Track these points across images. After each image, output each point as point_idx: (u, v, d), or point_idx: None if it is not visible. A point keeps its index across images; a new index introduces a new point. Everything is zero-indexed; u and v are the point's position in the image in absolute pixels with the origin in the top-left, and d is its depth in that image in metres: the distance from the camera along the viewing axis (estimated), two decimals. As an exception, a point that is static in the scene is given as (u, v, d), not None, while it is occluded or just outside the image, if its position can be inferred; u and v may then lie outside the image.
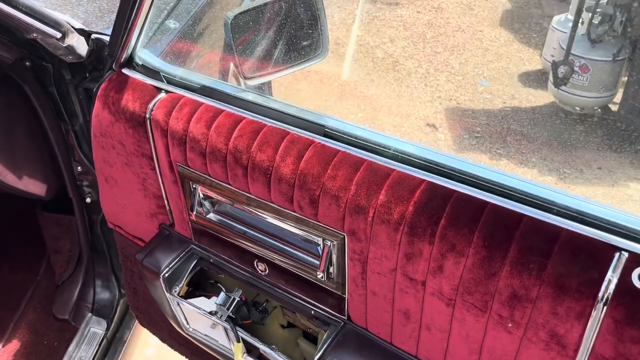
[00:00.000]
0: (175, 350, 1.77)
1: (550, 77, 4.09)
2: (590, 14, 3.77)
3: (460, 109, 4.52)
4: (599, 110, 4.21)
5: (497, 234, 0.87)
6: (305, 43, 1.24)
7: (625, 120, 3.92)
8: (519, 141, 4.10)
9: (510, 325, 0.88)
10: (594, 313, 0.80)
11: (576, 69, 3.91)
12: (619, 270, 0.79)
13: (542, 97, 4.60)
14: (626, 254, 0.80)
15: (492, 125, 4.29)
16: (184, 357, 1.75)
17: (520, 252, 0.85)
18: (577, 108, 4.19)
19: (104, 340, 1.86)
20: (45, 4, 1.34)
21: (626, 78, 4.00)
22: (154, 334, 1.80)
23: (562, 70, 3.84)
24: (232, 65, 1.34)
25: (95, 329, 1.87)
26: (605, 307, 0.79)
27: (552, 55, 4.26)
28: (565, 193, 0.90)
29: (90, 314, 1.90)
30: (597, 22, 3.85)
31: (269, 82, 1.56)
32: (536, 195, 0.90)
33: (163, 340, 1.79)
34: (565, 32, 4.04)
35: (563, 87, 3.98)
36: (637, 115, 3.81)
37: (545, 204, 0.89)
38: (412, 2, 6.23)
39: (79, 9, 5.23)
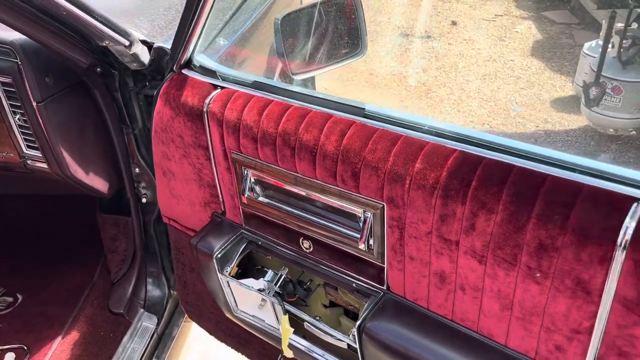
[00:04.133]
0: (221, 341, 1.87)
1: (582, 99, 4.14)
2: (619, 37, 3.84)
3: (494, 132, 4.57)
4: (634, 131, 4.22)
5: (524, 191, 0.96)
6: (345, 42, 1.37)
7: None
8: (553, 163, 4.12)
9: (538, 275, 0.96)
10: (615, 256, 0.87)
11: (608, 90, 3.96)
12: (636, 217, 0.87)
13: (575, 121, 4.63)
14: (643, 204, 0.88)
15: (526, 148, 4.33)
16: (230, 347, 1.84)
17: (546, 205, 0.93)
18: (612, 130, 4.21)
19: (155, 335, 1.97)
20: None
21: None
22: (201, 326, 1.90)
23: (593, 91, 3.90)
24: (280, 63, 1.48)
25: (147, 323, 1.99)
26: (625, 251, 0.86)
27: (584, 80, 4.32)
28: (587, 157, 0.99)
29: (142, 310, 2.02)
30: (627, 45, 3.91)
31: (313, 81, 1.70)
32: (560, 158, 0.99)
33: (210, 332, 1.89)
34: (596, 57, 4.11)
35: (596, 109, 4.02)
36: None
37: (569, 166, 0.98)
38: (444, 34, 6.41)
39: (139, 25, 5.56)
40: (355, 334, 1.22)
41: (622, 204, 0.89)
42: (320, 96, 1.27)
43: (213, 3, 1.25)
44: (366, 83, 5.43)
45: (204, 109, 1.37)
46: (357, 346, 1.24)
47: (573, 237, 0.91)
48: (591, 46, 4.43)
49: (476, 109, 4.93)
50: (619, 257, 0.87)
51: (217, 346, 1.95)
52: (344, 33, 1.36)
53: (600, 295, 0.91)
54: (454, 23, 6.67)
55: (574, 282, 0.93)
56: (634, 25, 4.02)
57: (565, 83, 5.34)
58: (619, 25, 3.98)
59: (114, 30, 1.45)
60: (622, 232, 0.86)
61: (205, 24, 1.35)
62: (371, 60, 5.88)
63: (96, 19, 1.40)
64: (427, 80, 5.42)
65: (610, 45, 3.94)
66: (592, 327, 0.95)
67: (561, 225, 0.92)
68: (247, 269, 1.57)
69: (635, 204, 0.88)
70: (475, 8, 7.04)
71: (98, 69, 1.60)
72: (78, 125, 1.65)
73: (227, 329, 1.79)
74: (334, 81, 5.45)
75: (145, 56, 1.61)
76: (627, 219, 0.87)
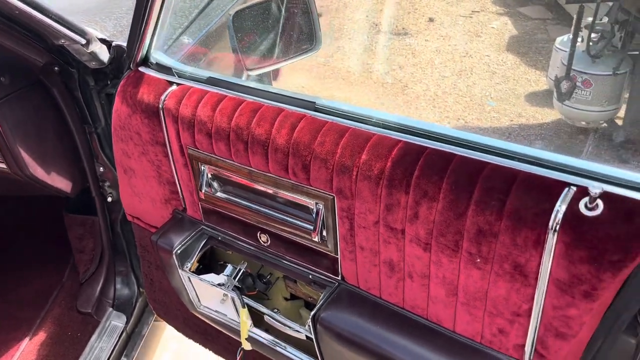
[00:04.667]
0: (189, 337, 1.87)
1: (555, 93, 4.20)
2: (588, 31, 3.91)
3: (468, 127, 4.64)
4: (605, 124, 4.29)
5: (463, 179, 0.98)
6: (299, 37, 1.39)
7: (629, 133, 3.99)
8: (526, 156, 4.18)
9: (478, 260, 0.98)
10: (547, 239, 0.90)
11: (579, 84, 4.02)
12: (567, 201, 0.89)
13: (548, 115, 4.70)
14: (574, 188, 0.91)
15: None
16: (198, 343, 1.85)
17: (483, 192, 0.96)
18: (583, 122, 4.28)
19: (124, 333, 1.97)
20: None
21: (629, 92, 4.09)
22: (169, 323, 1.91)
23: (564, 85, 3.96)
24: (235, 59, 1.50)
25: (116, 322, 1.99)
26: (556, 234, 0.89)
27: (556, 75, 4.38)
28: (524, 145, 1.02)
29: (111, 309, 2.02)
30: (596, 39, 3.98)
31: (270, 76, 1.71)
32: (499, 147, 1.02)
33: (178, 329, 1.90)
34: (567, 51, 4.17)
35: (567, 103, 4.08)
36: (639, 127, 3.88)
37: (507, 153, 1.00)
38: (421, 31, 6.45)
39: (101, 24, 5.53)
40: (310, 324, 1.24)
41: (554, 188, 0.91)
42: (273, 90, 1.28)
43: (163, 1, 1.26)
44: (343, 80, 5.45)
45: (160, 106, 1.37)
46: (313, 336, 1.26)
47: (509, 222, 0.93)
48: (563, 40, 4.49)
49: (452, 104, 4.98)
50: (551, 240, 0.90)
51: (193, 344, 1.95)
52: (297, 29, 1.38)
53: (537, 278, 0.94)
54: (431, 20, 6.72)
55: (511, 266, 0.96)
56: (605, 19, 4.10)
57: (540, 77, 5.41)
58: (590, 19, 4.05)
59: (69, 29, 1.45)
60: (553, 216, 0.89)
61: (158, 21, 1.36)
62: (348, 57, 5.91)
63: (51, 18, 1.40)
64: (403, 77, 5.46)
65: (579, 39, 4.00)
66: (530, 309, 0.97)
67: (498, 211, 0.94)
68: (211, 265, 1.58)
69: (566, 189, 0.91)
70: (452, 5, 7.10)
71: (55, 68, 1.60)
72: (37, 125, 1.64)
73: (194, 325, 1.80)
74: (311, 79, 5.47)
75: (104, 55, 1.61)
76: (558, 203, 0.89)
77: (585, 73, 4.00)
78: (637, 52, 3.96)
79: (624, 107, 4.22)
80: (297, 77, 5.43)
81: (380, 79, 5.46)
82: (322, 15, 6.47)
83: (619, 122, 4.27)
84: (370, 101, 5.07)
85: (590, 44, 3.95)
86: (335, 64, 5.78)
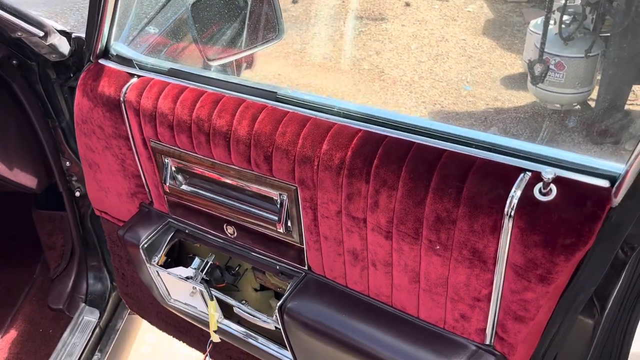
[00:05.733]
0: (163, 331, 1.87)
1: (529, 77, 4.23)
2: (560, 14, 3.93)
3: (444, 112, 4.66)
4: (578, 106, 4.34)
5: (421, 167, 0.98)
6: (261, 27, 1.37)
7: (601, 115, 4.04)
8: (501, 139, 4.22)
9: (438, 247, 0.99)
10: (504, 225, 0.91)
11: (552, 67, 4.05)
12: (522, 186, 0.90)
13: (524, 98, 4.74)
14: (529, 174, 0.91)
15: (476, 126, 4.42)
16: (172, 336, 1.85)
17: (441, 179, 0.96)
18: (557, 105, 4.32)
19: (97, 328, 1.96)
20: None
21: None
22: (142, 317, 1.90)
23: (538, 68, 3.98)
24: (196, 50, 1.47)
25: (89, 317, 1.97)
26: (511, 220, 0.90)
27: (530, 58, 4.41)
28: (483, 132, 1.02)
29: (83, 304, 2.00)
30: (568, 21, 4.01)
31: (234, 67, 1.69)
32: (457, 134, 1.02)
33: (152, 323, 1.89)
34: (540, 34, 4.19)
35: (541, 86, 4.11)
36: (611, 109, 3.94)
37: (465, 140, 1.01)
38: (397, 16, 6.44)
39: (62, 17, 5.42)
40: (278, 315, 1.24)
41: (510, 174, 0.92)
42: (234, 81, 1.27)
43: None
44: (320, 67, 5.43)
45: (121, 99, 1.35)
46: (280, 326, 1.26)
47: (466, 209, 0.94)
48: (536, 23, 4.51)
49: (428, 89, 4.99)
50: (507, 225, 0.91)
51: (170, 337, 1.94)
52: (259, 18, 1.36)
53: (495, 264, 0.95)
54: (407, 4, 6.71)
55: (470, 253, 0.96)
56: (577, 1, 4.12)
57: (515, 61, 5.44)
58: (562, 1, 4.07)
59: (25, 21, 1.41)
60: (508, 202, 0.90)
61: (115, 11, 1.33)
62: (325, 44, 5.88)
63: (5, 10, 1.36)
64: (380, 63, 5.45)
65: (552, 22, 4.03)
66: (490, 294, 0.99)
67: (455, 198, 0.95)
68: (179, 258, 1.57)
69: (522, 174, 0.91)
70: (428, -12, 7.08)
71: (14, 62, 1.56)
72: (-2, 120, 1.61)
73: (167, 318, 1.79)
74: (287, 67, 5.43)
75: (64, 47, 1.57)
76: (514, 189, 0.90)
77: (557, 56, 4.03)
78: (609, 34, 4.00)
79: (596, 90, 4.27)
80: (273, 64, 5.39)
81: (357, 65, 5.44)
82: (298, 2, 6.42)
83: (592, 104, 4.32)
84: (347, 88, 5.05)
85: (563, 26, 3.98)
86: (311, 50, 5.75)
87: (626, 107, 4.14)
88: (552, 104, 4.31)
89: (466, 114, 4.59)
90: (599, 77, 4.19)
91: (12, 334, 1.90)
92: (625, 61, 3.90)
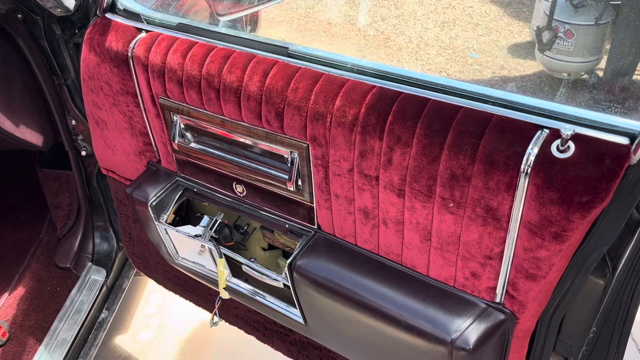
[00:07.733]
0: (170, 290, 1.88)
1: (536, 44, 4.17)
2: (572, -20, 3.84)
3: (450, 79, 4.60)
4: (586, 75, 4.28)
5: (436, 123, 0.97)
6: (272, -19, 1.33)
7: (608, 84, 4.00)
8: (507, 108, 4.19)
9: (451, 205, 0.99)
10: (519, 183, 0.90)
11: (561, 34, 3.98)
12: (539, 143, 0.89)
13: (531, 66, 4.68)
14: (547, 131, 0.90)
15: (482, 94, 4.38)
16: (178, 295, 1.86)
17: (457, 136, 0.95)
18: (565, 74, 4.27)
19: (104, 287, 1.98)
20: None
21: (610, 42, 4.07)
22: (149, 276, 1.91)
23: (546, 35, 3.92)
24: (205, 5, 1.44)
25: (96, 276, 1.99)
26: (527, 177, 0.89)
27: (538, 25, 4.33)
28: (500, 89, 1.00)
29: (90, 264, 2.02)
30: (579, -12, 3.92)
31: (243, 22, 1.66)
32: (474, 91, 1.00)
33: (158, 282, 1.90)
34: (549, 1, 4.11)
35: (549, 53, 4.05)
36: (619, 79, 3.89)
37: (482, 98, 0.99)
38: (403, -18, 6.30)
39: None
40: (287, 272, 1.25)
41: (527, 131, 0.91)
42: (245, 36, 1.24)
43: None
44: (324, 33, 5.34)
45: (129, 54, 1.33)
46: (289, 284, 1.27)
47: (482, 166, 0.93)
48: (546, -10, 4.42)
49: (434, 56, 4.92)
50: (523, 182, 0.90)
51: (176, 296, 1.96)
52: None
53: (508, 222, 0.95)
54: (414, -30, 6.55)
55: (484, 210, 0.96)
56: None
57: (523, 29, 5.35)
58: (572, -33, 3.98)
59: (30, -27, 1.38)
60: (525, 159, 0.89)
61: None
62: (330, 9, 5.78)
63: (9, -39, 1.33)
64: (385, 29, 5.36)
65: (563, -11, 3.95)
66: (502, 252, 0.98)
67: (471, 155, 0.94)
68: (187, 217, 1.57)
69: (539, 131, 0.90)
70: (436, -46, 6.91)
71: (19, 16, 1.53)
72: (2, 75, 1.58)
73: (174, 278, 1.80)
74: (291, 32, 5.35)
75: (70, 1, 1.54)
76: (530, 146, 0.89)
77: (567, 23, 3.96)
78: (619, 2, 3.92)
79: (605, 59, 4.21)
80: (277, 29, 5.31)
81: (362, 32, 5.36)
82: (303, -35, 6.28)
83: (600, 74, 4.27)
84: (352, 54, 4.98)
85: (573, -7, 3.90)
86: (316, 15, 5.65)
87: (634, 77, 4.09)
88: (560, 73, 4.26)
89: (472, 82, 4.54)
90: (607, 47, 4.13)
91: (20, 290, 1.92)
92: (636, 30, 3.84)
